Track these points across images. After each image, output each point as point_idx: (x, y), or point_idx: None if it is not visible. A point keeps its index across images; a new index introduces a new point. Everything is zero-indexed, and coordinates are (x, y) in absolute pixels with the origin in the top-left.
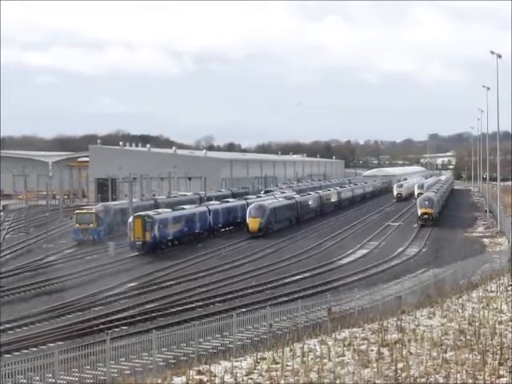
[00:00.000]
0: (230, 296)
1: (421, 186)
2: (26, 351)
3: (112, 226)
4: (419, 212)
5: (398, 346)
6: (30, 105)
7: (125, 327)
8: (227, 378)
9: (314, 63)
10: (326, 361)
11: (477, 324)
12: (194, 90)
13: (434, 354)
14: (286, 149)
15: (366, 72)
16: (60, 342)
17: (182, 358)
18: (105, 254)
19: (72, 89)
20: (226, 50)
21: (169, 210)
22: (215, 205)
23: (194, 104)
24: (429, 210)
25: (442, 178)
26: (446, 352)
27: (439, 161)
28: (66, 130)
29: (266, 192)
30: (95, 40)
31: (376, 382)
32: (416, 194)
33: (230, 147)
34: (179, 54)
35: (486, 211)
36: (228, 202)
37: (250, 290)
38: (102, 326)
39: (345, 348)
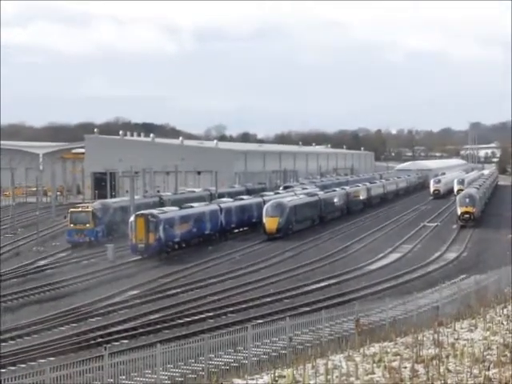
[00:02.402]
0: (244, 306)
1: (461, 182)
2: (12, 368)
3: (111, 227)
4: (459, 211)
5: (434, 362)
6: (15, 88)
7: (125, 341)
8: None
9: (334, 41)
10: (353, 379)
11: None
12: (202, 72)
13: (476, 371)
14: (308, 139)
15: (394, 50)
16: (52, 358)
17: (190, 375)
18: (103, 258)
19: (61, 70)
20: (230, 26)
21: (175, 208)
22: (228, 202)
23: (202, 89)
24: (470, 209)
25: (485, 172)
26: (488, 369)
27: (482, 153)
28: (59, 117)
29: (285, 188)
30: (81, 15)
31: None
32: (455, 190)
33: (245, 137)
34: (179, 31)
35: None
36: (242, 199)
37: (268, 299)
38: (99, 340)
39: (374, 365)
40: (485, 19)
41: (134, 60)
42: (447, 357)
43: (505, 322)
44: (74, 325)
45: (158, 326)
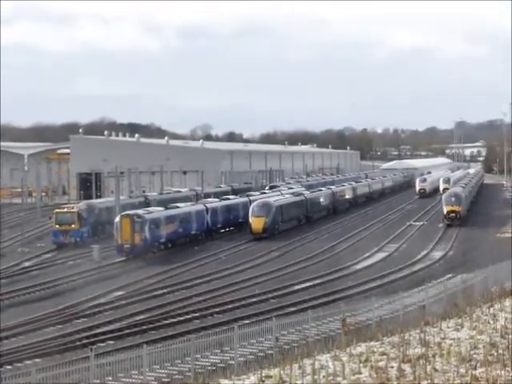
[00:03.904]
0: (230, 306)
1: (446, 181)
2: None
3: (96, 227)
4: (445, 210)
5: (421, 361)
6: (1, 88)
7: (111, 342)
8: None
9: (321, 39)
10: (339, 379)
11: (510, 337)
12: (187, 71)
13: (462, 370)
14: (294, 138)
15: (380, 49)
16: (38, 359)
17: (177, 376)
18: (88, 259)
19: (46, 69)
20: (214, 25)
21: (161, 208)
22: (214, 202)
23: (188, 88)
24: (456, 208)
25: (471, 171)
26: (475, 368)
27: (467, 152)
28: (44, 117)
29: (271, 188)
30: (65, 14)
31: None
32: (441, 189)
33: (230, 137)
34: (164, 29)
35: None
36: (228, 199)
37: (254, 299)
38: (85, 341)
39: (361, 364)
40: (470, 17)
41: (120, 59)
42: (434, 356)
43: (491, 321)
44: (59, 326)
45: (144, 327)
